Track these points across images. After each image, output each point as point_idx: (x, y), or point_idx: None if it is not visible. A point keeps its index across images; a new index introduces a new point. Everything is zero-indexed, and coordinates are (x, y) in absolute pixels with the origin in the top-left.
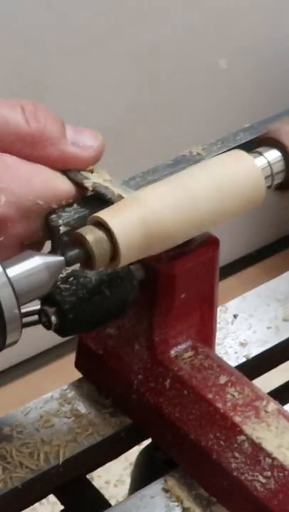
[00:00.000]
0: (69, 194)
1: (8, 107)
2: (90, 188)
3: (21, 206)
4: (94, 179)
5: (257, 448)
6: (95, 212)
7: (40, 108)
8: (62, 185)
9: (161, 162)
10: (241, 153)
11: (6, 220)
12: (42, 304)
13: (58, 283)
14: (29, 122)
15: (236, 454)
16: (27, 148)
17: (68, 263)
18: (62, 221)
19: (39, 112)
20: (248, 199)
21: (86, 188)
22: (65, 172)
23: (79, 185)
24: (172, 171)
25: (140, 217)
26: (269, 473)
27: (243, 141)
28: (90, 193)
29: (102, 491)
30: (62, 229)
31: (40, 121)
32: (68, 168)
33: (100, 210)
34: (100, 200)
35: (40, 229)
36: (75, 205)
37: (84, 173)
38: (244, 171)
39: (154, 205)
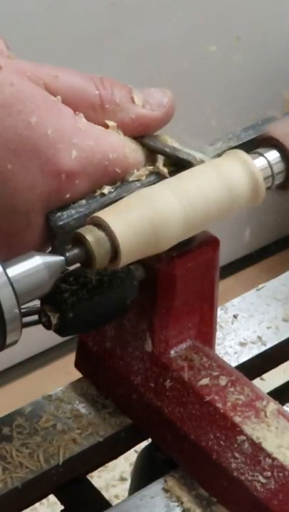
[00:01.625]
0: (137, 161)
1: (81, 78)
2: (168, 152)
3: (90, 164)
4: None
5: (257, 448)
6: (95, 212)
7: (107, 78)
8: (130, 151)
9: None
10: (241, 154)
11: (74, 175)
12: (42, 304)
13: (58, 283)
14: (99, 89)
15: (236, 454)
16: (98, 114)
17: (68, 263)
18: (63, 221)
19: (106, 81)
20: (247, 199)
21: (161, 153)
22: (141, 139)
23: (154, 152)
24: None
25: (140, 217)
26: (269, 473)
27: (243, 141)
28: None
29: (102, 491)
30: (62, 229)
31: (107, 89)
32: (142, 133)
33: (101, 209)
34: (178, 165)
35: (92, 191)
36: (75, 205)
37: (161, 141)
38: (244, 172)
39: (154, 205)
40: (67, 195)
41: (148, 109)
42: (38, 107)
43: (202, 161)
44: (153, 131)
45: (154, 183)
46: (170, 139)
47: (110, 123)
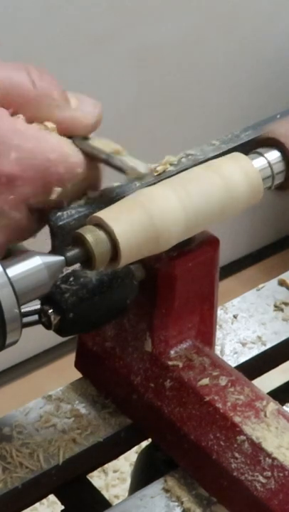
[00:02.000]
0: (79, 161)
1: (14, 69)
2: (103, 158)
3: (31, 165)
4: (102, 148)
5: (257, 448)
6: (95, 212)
7: (44, 71)
8: (71, 151)
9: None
10: (240, 156)
11: (15, 177)
12: (42, 304)
13: (58, 283)
14: (35, 84)
15: (236, 454)
16: (32, 109)
17: (68, 263)
18: (63, 221)
19: (44, 75)
20: (246, 200)
21: (97, 159)
22: (77, 142)
23: (89, 156)
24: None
25: (140, 218)
26: (269, 473)
27: (243, 141)
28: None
29: (102, 491)
30: (62, 229)
31: (44, 85)
32: (70, 134)
33: (101, 209)
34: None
35: (45, 196)
36: (75, 205)
37: (92, 143)
38: (243, 173)
39: (155, 206)
40: (11, 197)
41: (80, 112)
42: None
43: (134, 169)
44: (81, 135)
45: (154, 183)
46: (114, 144)
47: (49, 124)
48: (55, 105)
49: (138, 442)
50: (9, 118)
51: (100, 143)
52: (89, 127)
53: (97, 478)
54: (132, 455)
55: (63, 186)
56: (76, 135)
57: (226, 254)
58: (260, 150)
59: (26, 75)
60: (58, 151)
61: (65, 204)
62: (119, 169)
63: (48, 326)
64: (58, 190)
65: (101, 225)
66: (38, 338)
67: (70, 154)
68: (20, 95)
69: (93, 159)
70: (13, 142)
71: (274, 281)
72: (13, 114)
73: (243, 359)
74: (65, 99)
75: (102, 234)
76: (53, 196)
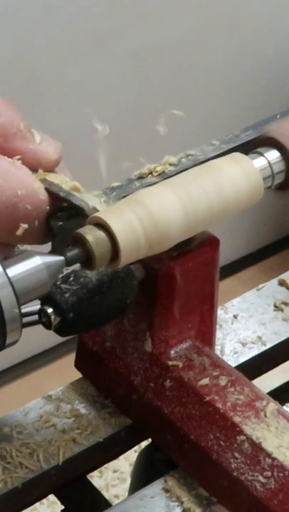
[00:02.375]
0: (45, 199)
1: None
2: (61, 196)
3: None
4: (60, 184)
5: (257, 448)
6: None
7: (9, 104)
8: (39, 187)
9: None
10: (240, 155)
11: None
12: (42, 304)
13: (58, 283)
14: (1, 115)
15: (236, 454)
16: None
17: (68, 263)
18: (62, 221)
19: (9, 107)
20: (246, 200)
21: (55, 196)
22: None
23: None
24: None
25: (140, 218)
26: (269, 473)
27: (243, 141)
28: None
29: (102, 491)
30: (62, 229)
31: (9, 115)
32: (33, 167)
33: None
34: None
35: (11, 232)
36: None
37: (49, 179)
38: (243, 173)
39: (155, 206)
40: None
41: (44, 147)
42: None
43: (95, 209)
44: (43, 169)
45: (154, 184)
46: (70, 180)
47: (15, 159)
48: (21, 136)
49: (138, 442)
50: None
51: (57, 179)
52: (53, 162)
53: (97, 478)
54: (132, 455)
55: (30, 223)
56: (38, 168)
57: (226, 254)
58: (260, 150)
59: None
60: (26, 186)
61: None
62: (79, 208)
63: (48, 326)
64: (24, 226)
65: (101, 224)
66: (38, 338)
67: (39, 191)
68: None
69: (52, 196)
70: None
71: (274, 281)
72: None
73: (243, 359)
74: (29, 131)
75: (102, 234)
76: (19, 233)
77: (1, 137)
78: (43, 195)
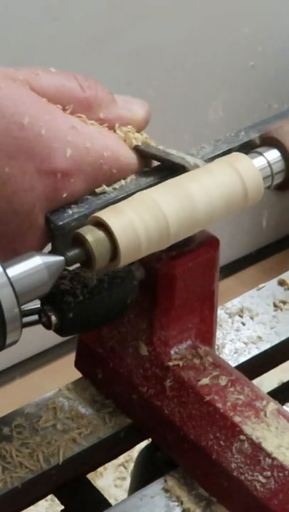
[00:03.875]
0: (131, 161)
1: (63, 76)
2: (161, 156)
3: (85, 162)
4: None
5: (257, 448)
6: (95, 212)
7: (90, 79)
8: (124, 151)
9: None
10: (240, 155)
11: (69, 174)
12: (42, 304)
13: (58, 283)
14: (83, 88)
15: (236, 454)
16: (84, 112)
17: (68, 263)
18: (62, 221)
19: (90, 81)
20: (246, 199)
21: (152, 158)
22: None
23: (146, 157)
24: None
25: (140, 217)
26: (269, 473)
27: (244, 141)
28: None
29: (102, 491)
30: (62, 229)
31: (92, 88)
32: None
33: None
34: (171, 169)
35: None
36: (75, 205)
37: (149, 145)
38: (243, 172)
39: (154, 205)
40: (65, 195)
41: (128, 111)
42: (29, 107)
43: (196, 165)
44: (135, 129)
45: (154, 184)
46: (154, 143)
47: (103, 126)
48: (104, 106)
49: (138, 442)
50: (64, 115)
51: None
52: (140, 120)
53: (97, 478)
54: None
55: (112, 183)
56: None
57: (226, 254)
58: (259, 149)
59: (75, 80)
60: (111, 149)
61: None
62: (180, 166)
63: (48, 326)
64: (104, 187)
65: (101, 225)
66: (38, 338)
67: (123, 154)
68: (72, 99)
69: (150, 157)
70: (68, 139)
71: (274, 281)
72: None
73: (243, 359)
74: (111, 100)
75: (101, 234)
76: (99, 191)
77: (87, 110)
78: (127, 159)
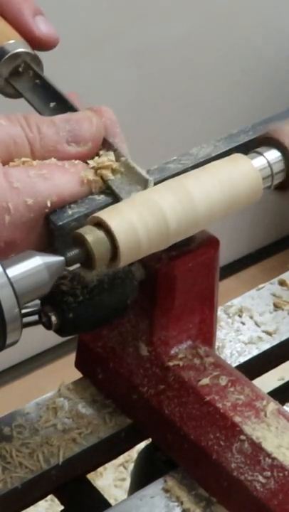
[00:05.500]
0: (73, 193)
1: (7, 123)
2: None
3: (28, 221)
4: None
5: (257, 448)
6: (95, 212)
7: (31, 116)
8: (69, 191)
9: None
10: (239, 155)
11: (13, 241)
12: (42, 304)
13: (58, 283)
14: (25, 132)
15: (236, 454)
16: (30, 154)
17: (68, 263)
18: (62, 221)
19: (31, 120)
20: (245, 199)
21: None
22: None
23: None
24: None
25: (140, 218)
26: (269, 473)
27: (243, 141)
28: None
29: (102, 491)
30: (62, 229)
31: (33, 130)
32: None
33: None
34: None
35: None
36: (75, 205)
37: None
38: (243, 173)
39: (154, 205)
40: (12, 255)
41: (74, 146)
42: None
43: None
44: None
45: (155, 184)
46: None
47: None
48: (51, 149)
49: (138, 442)
50: (2, 176)
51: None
52: (86, 156)
53: (97, 478)
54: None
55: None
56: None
57: (225, 254)
58: (259, 149)
59: (17, 123)
60: (56, 193)
61: None
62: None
63: (48, 326)
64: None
65: (101, 225)
66: (38, 338)
67: (70, 194)
68: (15, 147)
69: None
70: (3, 205)
71: (274, 281)
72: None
73: (243, 359)
74: (57, 136)
75: (101, 234)
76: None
77: (32, 154)
78: (79, 195)
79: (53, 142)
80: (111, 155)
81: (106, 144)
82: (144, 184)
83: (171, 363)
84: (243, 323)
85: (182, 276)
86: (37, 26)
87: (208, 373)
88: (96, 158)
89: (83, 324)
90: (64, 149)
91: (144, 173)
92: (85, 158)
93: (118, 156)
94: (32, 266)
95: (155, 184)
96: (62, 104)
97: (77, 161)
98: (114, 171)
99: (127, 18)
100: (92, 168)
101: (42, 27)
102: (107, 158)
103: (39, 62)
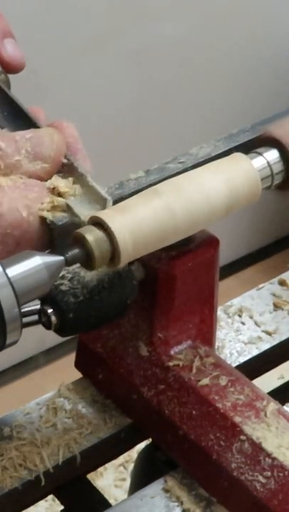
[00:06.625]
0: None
1: None
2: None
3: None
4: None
5: (257, 448)
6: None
7: None
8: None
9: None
10: (239, 155)
11: None
12: (42, 304)
13: (58, 283)
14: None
15: (236, 454)
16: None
17: (68, 263)
18: (62, 221)
19: None
20: (245, 199)
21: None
22: None
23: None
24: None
25: (140, 217)
26: (269, 473)
27: (243, 141)
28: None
29: (102, 491)
30: (62, 229)
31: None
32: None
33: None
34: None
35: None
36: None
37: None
38: (241, 172)
39: (154, 205)
40: None
41: (35, 163)
42: None
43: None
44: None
45: (155, 184)
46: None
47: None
48: (8, 168)
49: (138, 442)
50: None
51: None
52: (48, 175)
53: (97, 478)
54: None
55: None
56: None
57: (225, 254)
58: (259, 150)
59: None
60: (12, 216)
61: None
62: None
63: (48, 326)
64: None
65: (101, 224)
66: (38, 338)
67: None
68: None
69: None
70: None
71: (274, 281)
72: None
73: (243, 359)
74: (17, 154)
75: (101, 234)
76: None
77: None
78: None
79: (13, 159)
80: (69, 180)
81: (67, 162)
82: (102, 203)
83: (171, 363)
84: (243, 323)
85: (182, 276)
86: (5, 49)
87: (208, 373)
88: (54, 178)
89: (83, 324)
90: (24, 166)
91: (103, 192)
92: (45, 176)
93: (77, 175)
94: (32, 266)
95: (155, 184)
96: (25, 120)
97: (34, 182)
98: (71, 195)
99: (127, 18)
100: (48, 189)
101: (9, 50)
102: (64, 183)
103: (7, 80)
